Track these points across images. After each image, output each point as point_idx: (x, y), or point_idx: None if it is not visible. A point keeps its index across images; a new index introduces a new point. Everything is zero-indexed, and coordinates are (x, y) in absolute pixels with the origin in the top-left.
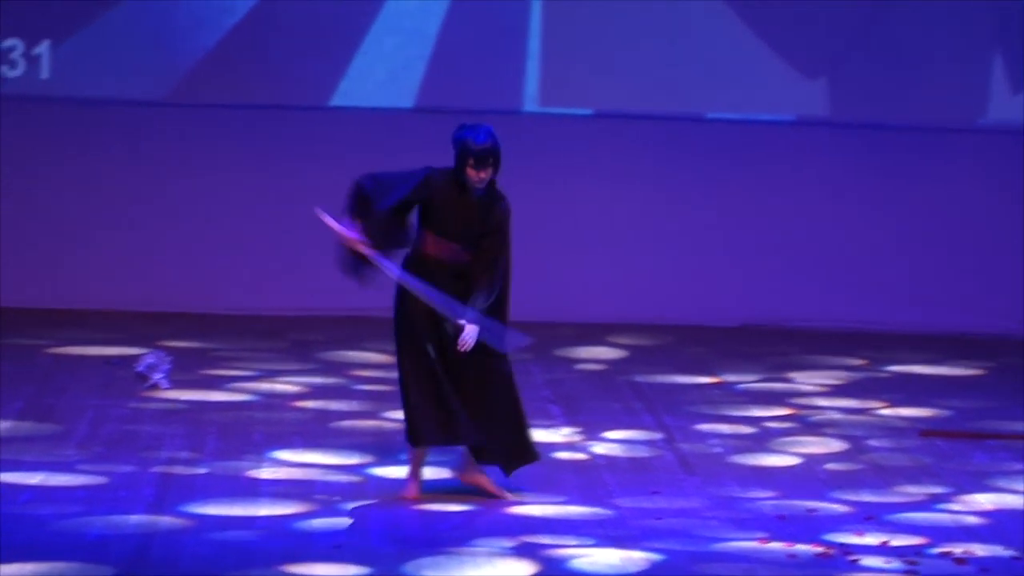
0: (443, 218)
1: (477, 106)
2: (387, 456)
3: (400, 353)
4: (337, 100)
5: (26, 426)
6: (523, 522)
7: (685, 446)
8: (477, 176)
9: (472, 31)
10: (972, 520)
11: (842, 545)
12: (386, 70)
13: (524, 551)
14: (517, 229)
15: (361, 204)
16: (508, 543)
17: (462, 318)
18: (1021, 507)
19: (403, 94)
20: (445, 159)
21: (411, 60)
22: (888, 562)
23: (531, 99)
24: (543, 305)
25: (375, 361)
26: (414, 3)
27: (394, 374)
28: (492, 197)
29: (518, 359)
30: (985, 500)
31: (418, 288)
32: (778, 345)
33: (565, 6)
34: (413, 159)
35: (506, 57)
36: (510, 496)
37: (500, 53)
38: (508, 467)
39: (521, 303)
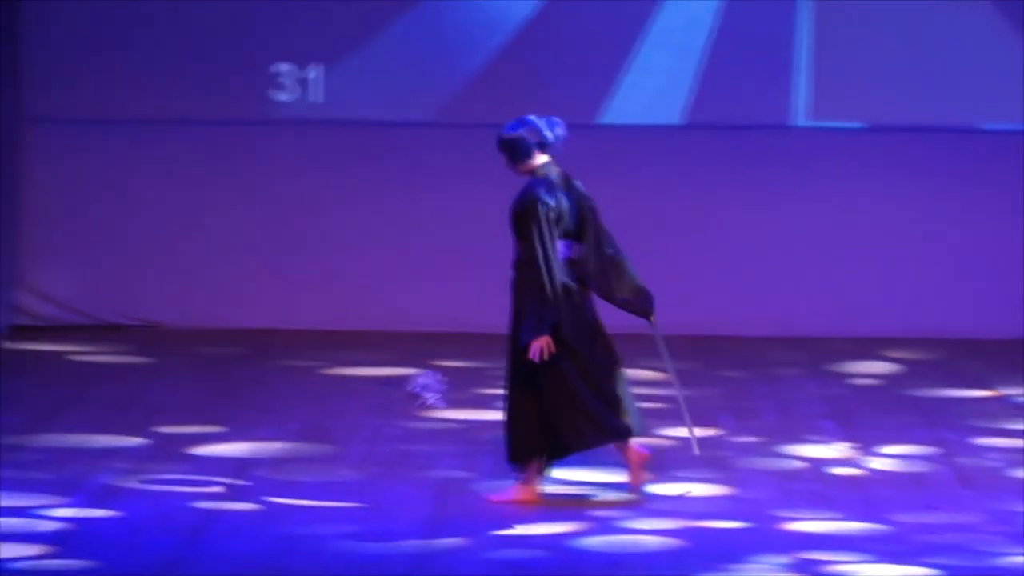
0: None
1: (747, 121)
2: (662, 473)
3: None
4: (607, 118)
5: (302, 447)
6: (799, 538)
7: (963, 460)
8: None
9: (742, 45)
10: None
11: None
12: (655, 87)
13: (800, 568)
14: (790, 243)
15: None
16: (784, 559)
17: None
18: None
19: (672, 111)
20: (715, 175)
21: (680, 76)
22: None
23: (802, 113)
24: (817, 320)
25: (647, 378)
26: (683, 18)
27: (667, 391)
28: None
29: (791, 375)
30: None
31: None
32: None
33: (836, 18)
34: (682, 176)
35: (776, 71)
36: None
37: (770, 67)
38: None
39: (795, 318)
